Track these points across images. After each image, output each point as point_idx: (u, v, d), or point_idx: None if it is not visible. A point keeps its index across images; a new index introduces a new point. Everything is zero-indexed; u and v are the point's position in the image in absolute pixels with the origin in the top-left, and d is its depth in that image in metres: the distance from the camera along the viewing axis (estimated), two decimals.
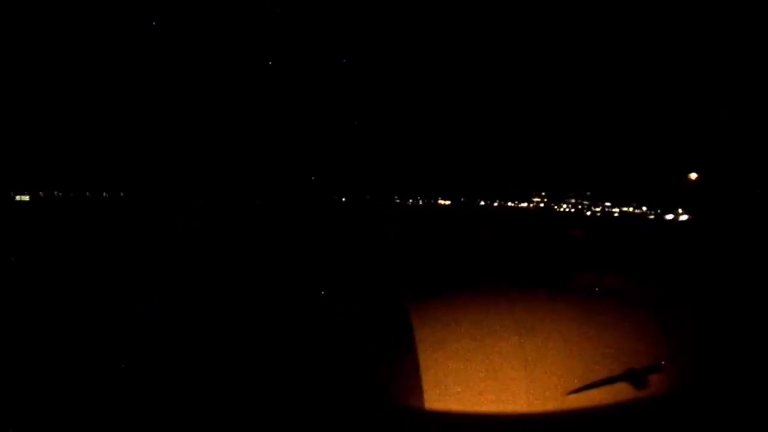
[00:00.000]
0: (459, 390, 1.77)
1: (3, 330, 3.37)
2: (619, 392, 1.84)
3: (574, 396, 1.80)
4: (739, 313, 2.35)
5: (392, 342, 1.94)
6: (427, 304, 2.06)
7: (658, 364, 1.92)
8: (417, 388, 1.77)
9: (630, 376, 1.87)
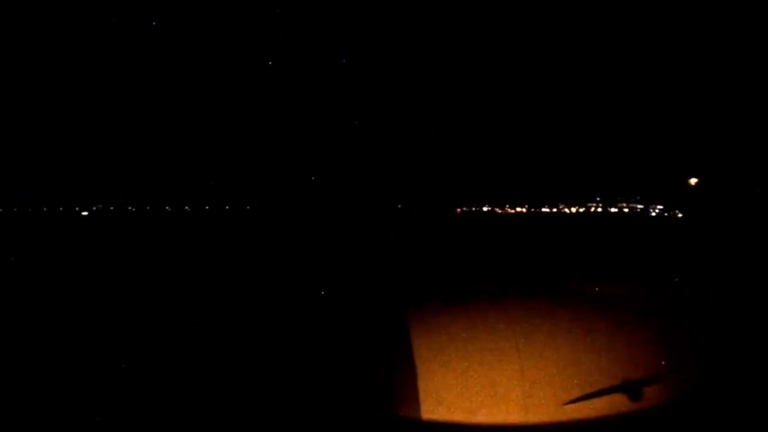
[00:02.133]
0: (455, 400, 1.77)
1: (6, 329, 3.38)
2: (616, 403, 1.84)
3: (570, 406, 1.80)
4: (739, 322, 2.34)
5: (389, 350, 1.94)
6: (424, 312, 2.06)
7: (655, 373, 1.92)
8: (413, 398, 1.77)
9: (627, 387, 1.87)
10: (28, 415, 2.12)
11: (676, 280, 3.06)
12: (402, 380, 1.81)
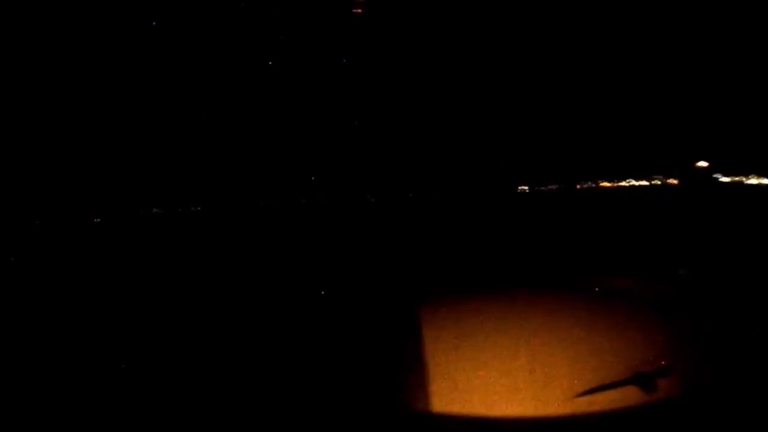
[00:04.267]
0: (467, 394, 1.77)
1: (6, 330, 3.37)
2: (626, 396, 1.84)
3: (582, 399, 1.80)
4: (748, 316, 2.33)
5: (401, 344, 1.94)
6: (436, 307, 2.05)
7: (665, 366, 1.91)
8: (424, 392, 1.77)
9: (638, 379, 1.87)
10: (28, 415, 2.12)
11: (682, 272, 3.05)
12: (413, 375, 1.81)
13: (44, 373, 2.59)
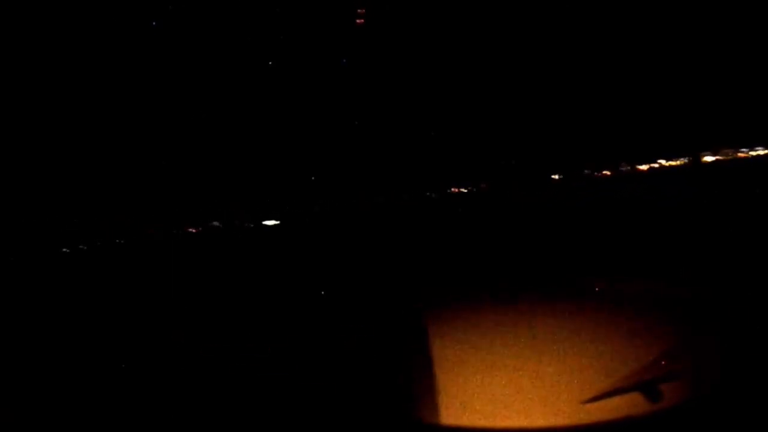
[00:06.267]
0: (476, 404, 1.75)
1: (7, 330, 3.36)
2: (636, 400, 1.82)
3: (591, 407, 1.77)
4: (757, 317, 2.31)
5: (407, 353, 1.92)
6: (442, 314, 2.03)
7: (676, 370, 1.89)
8: (433, 402, 1.74)
9: (646, 383, 1.84)
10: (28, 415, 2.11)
11: (691, 274, 3.02)
12: (421, 384, 1.79)
13: (44, 373, 2.59)
